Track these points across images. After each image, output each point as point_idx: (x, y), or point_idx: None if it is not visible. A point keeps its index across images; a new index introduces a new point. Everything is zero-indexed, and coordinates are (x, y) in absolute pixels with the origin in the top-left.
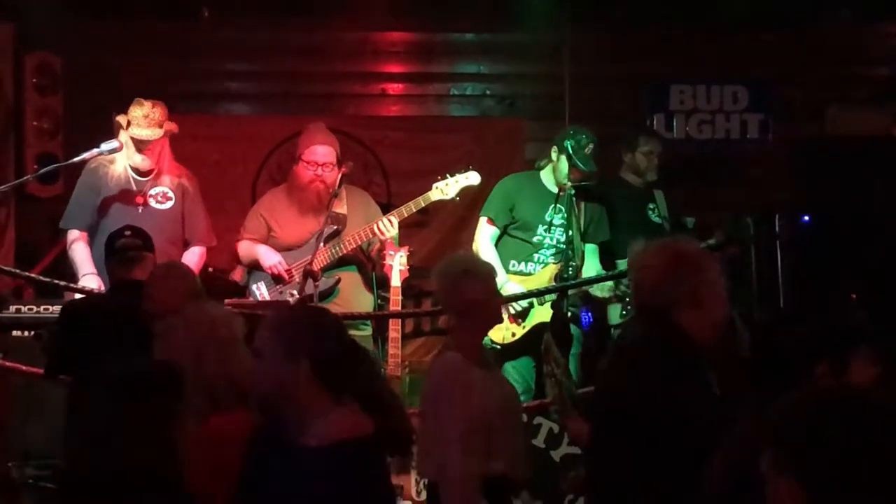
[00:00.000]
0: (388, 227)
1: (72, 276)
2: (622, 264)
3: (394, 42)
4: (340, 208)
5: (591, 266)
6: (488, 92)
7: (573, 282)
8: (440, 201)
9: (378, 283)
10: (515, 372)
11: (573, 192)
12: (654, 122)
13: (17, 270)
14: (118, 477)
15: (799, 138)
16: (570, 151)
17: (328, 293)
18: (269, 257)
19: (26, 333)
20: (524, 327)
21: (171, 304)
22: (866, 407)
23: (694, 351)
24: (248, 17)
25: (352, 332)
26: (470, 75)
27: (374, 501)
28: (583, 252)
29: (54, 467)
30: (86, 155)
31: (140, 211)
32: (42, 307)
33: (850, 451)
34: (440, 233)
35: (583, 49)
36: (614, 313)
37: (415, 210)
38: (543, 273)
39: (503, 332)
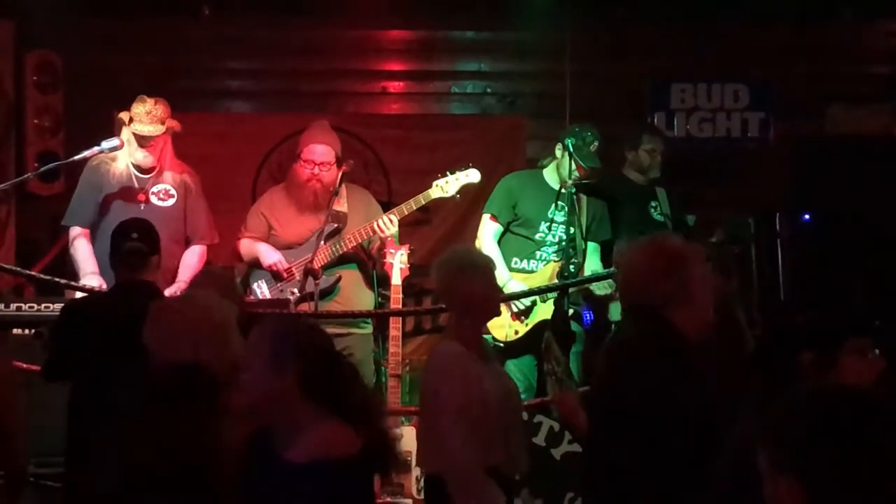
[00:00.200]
0: (389, 225)
1: (73, 273)
2: None
3: (394, 40)
4: (341, 206)
5: (593, 264)
6: (489, 90)
7: (574, 280)
8: (440, 199)
9: (379, 281)
10: (517, 370)
11: (574, 189)
12: (655, 121)
13: (18, 268)
14: (172, 480)
15: (800, 137)
16: (574, 149)
17: (329, 291)
18: (270, 255)
19: (27, 331)
20: (527, 325)
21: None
22: (865, 405)
23: (687, 348)
24: (249, 16)
25: (352, 330)
26: (471, 73)
27: None
28: (584, 250)
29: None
30: (86, 153)
31: (142, 208)
32: (43, 305)
33: (849, 450)
34: (441, 231)
35: (584, 47)
36: (615, 311)
37: (415, 208)
38: (545, 270)
39: (506, 330)
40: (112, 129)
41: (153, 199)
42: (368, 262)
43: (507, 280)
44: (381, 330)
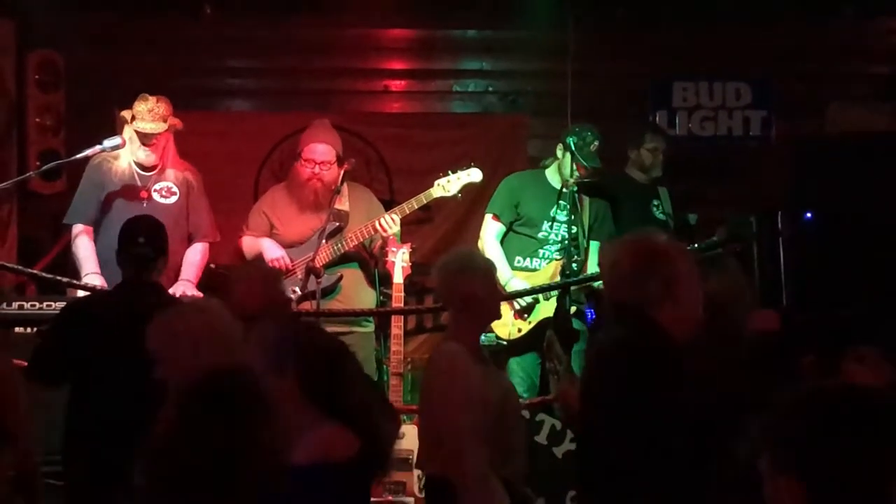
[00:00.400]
0: (390, 223)
1: (74, 272)
2: None
3: (396, 38)
4: (342, 205)
5: (595, 263)
6: (491, 89)
7: (576, 278)
8: (442, 198)
9: (380, 279)
10: (520, 369)
11: (576, 188)
12: (657, 119)
13: (20, 267)
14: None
15: (801, 135)
16: (575, 148)
17: (330, 290)
18: (273, 251)
19: (29, 330)
20: (530, 322)
21: (250, 306)
22: (865, 405)
23: (672, 348)
24: (250, 14)
25: (354, 328)
26: (472, 72)
27: None
28: (586, 248)
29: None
30: (88, 151)
31: (144, 206)
32: (45, 304)
33: (849, 450)
34: (442, 229)
35: (585, 45)
36: None
37: (417, 207)
38: (548, 269)
39: (509, 328)
40: (113, 128)
41: (155, 197)
42: (370, 261)
43: (510, 278)
44: (382, 328)
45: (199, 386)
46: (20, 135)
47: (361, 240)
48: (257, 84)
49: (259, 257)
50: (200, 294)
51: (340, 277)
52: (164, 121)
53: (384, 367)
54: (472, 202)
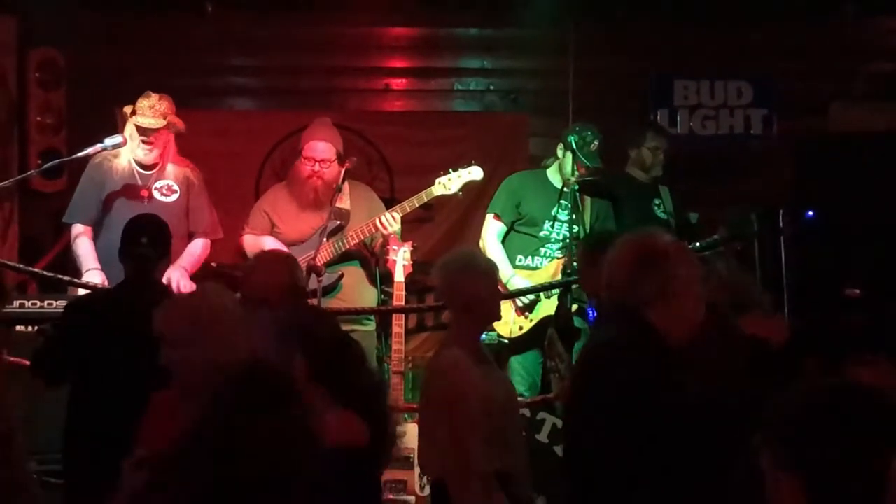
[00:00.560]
0: (391, 222)
1: (75, 270)
2: None
3: (397, 37)
4: (343, 203)
5: None
6: (492, 87)
7: (577, 277)
8: (443, 196)
9: (381, 278)
10: (521, 367)
11: (577, 187)
12: (658, 118)
13: (21, 265)
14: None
15: (802, 134)
16: (575, 147)
17: (331, 288)
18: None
19: (30, 328)
20: (531, 320)
21: (272, 291)
22: (864, 403)
23: (666, 351)
24: (252, 13)
25: (355, 327)
26: (473, 70)
27: None
28: None
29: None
30: (89, 150)
31: (145, 205)
32: (46, 302)
33: (848, 447)
34: (443, 227)
35: (586, 44)
36: None
37: (417, 205)
38: (549, 267)
39: (510, 326)
40: (114, 127)
41: (156, 195)
42: (371, 259)
43: (511, 276)
44: (383, 327)
45: (248, 376)
46: (21, 133)
47: (362, 238)
48: (259, 82)
49: (277, 249)
50: (193, 284)
51: (341, 276)
52: (164, 118)
53: (385, 365)
54: (473, 200)
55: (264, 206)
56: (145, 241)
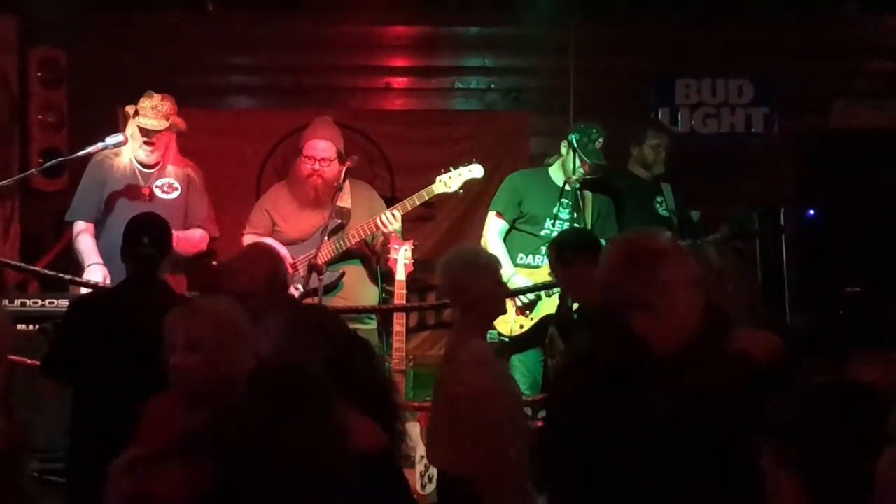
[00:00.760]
0: (392, 220)
1: (77, 269)
2: None
3: (398, 36)
4: (344, 202)
5: None
6: (493, 85)
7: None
8: (444, 194)
9: (382, 276)
10: (522, 366)
11: (578, 185)
12: (659, 116)
13: (22, 264)
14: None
15: (804, 132)
16: (578, 146)
17: (332, 287)
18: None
19: (31, 327)
20: (532, 319)
21: (253, 284)
22: (865, 401)
23: (648, 360)
24: (253, 11)
25: (356, 325)
26: (474, 69)
27: None
28: None
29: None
30: (91, 149)
31: (147, 203)
32: (47, 301)
33: (849, 445)
34: (444, 226)
35: (588, 42)
36: None
37: (418, 203)
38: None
39: (511, 325)
40: (116, 125)
41: (157, 193)
42: (372, 258)
43: (512, 275)
44: (384, 325)
45: (284, 376)
46: (22, 132)
47: (363, 237)
48: (260, 81)
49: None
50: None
51: (342, 274)
52: (167, 119)
53: (386, 364)
54: (474, 198)
55: (265, 205)
56: (147, 241)
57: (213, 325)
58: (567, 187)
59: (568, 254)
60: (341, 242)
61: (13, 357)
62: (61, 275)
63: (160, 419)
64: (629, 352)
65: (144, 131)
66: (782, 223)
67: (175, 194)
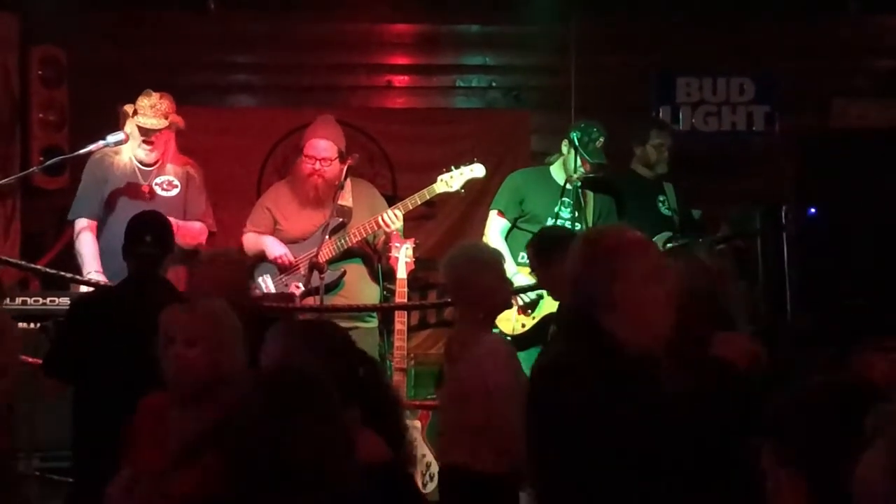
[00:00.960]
0: (394, 219)
1: (78, 267)
2: None
3: (399, 34)
4: (346, 201)
5: None
6: (494, 84)
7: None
8: (445, 193)
9: (384, 275)
10: (524, 364)
11: (579, 184)
12: (661, 114)
13: (23, 262)
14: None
15: (805, 130)
16: (579, 144)
17: (334, 285)
18: (276, 248)
19: (32, 325)
20: (533, 318)
21: (210, 291)
22: (866, 399)
23: (618, 360)
24: (254, 10)
25: (357, 324)
26: (475, 67)
27: None
28: None
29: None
30: (92, 147)
31: (147, 201)
32: (48, 299)
33: (851, 444)
34: (446, 225)
35: (589, 41)
36: None
37: (420, 202)
38: None
39: (513, 324)
40: (117, 124)
41: (157, 190)
42: (373, 257)
43: (514, 273)
44: (386, 324)
45: (287, 378)
46: (23, 130)
47: (365, 235)
48: (261, 80)
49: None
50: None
51: (344, 273)
52: (166, 117)
53: (387, 362)
54: (475, 197)
55: (266, 204)
56: (150, 240)
57: (212, 321)
58: (568, 186)
59: (547, 253)
60: (342, 241)
61: None
62: (62, 273)
63: (150, 422)
64: (597, 352)
65: (143, 130)
66: (783, 222)
67: (175, 192)
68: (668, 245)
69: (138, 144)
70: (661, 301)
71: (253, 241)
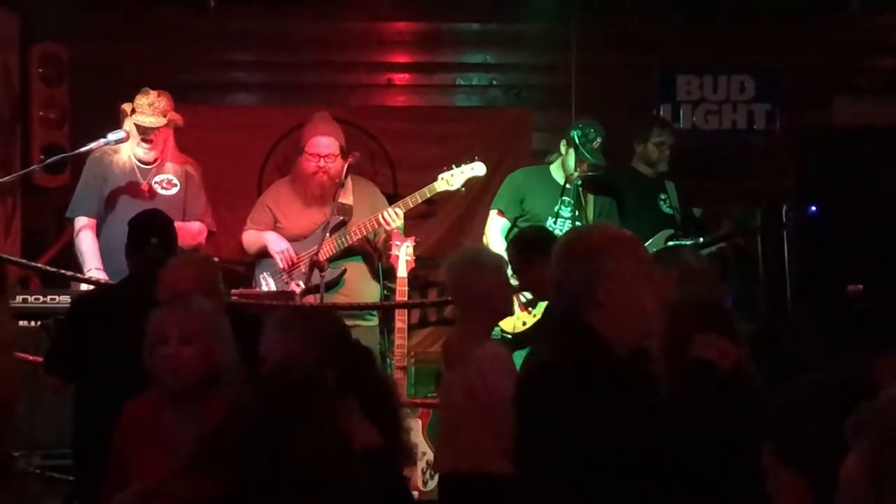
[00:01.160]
0: (394, 217)
1: (78, 265)
2: None
3: (400, 32)
4: (346, 199)
5: None
6: (494, 82)
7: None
8: (446, 192)
9: (384, 273)
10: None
11: (579, 182)
12: (661, 113)
13: (24, 260)
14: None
15: (806, 129)
16: (578, 143)
17: (334, 283)
18: (278, 244)
19: (32, 323)
20: (534, 316)
21: (180, 291)
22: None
23: (613, 360)
24: (254, 8)
25: (358, 322)
26: (476, 65)
27: None
28: None
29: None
30: (92, 145)
31: (147, 200)
32: (48, 297)
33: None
34: (446, 223)
35: (589, 39)
36: None
37: (420, 201)
38: None
39: (514, 321)
40: (117, 122)
41: (157, 189)
42: (374, 255)
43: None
44: (386, 322)
45: (288, 377)
46: (24, 128)
47: (365, 233)
48: (261, 78)
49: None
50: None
51: (344, 271)
52: (164, 115)
53: (388, 360)
54: (476, 196)
55: (267, 202)
56: (155, 242)
57: (206, 319)
58: (568, 185)
59: (529, 253)
60: (343, 239)
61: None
62: (63, 271)
63: (140, 423)
64: (587, 352)
65: (142, 129)
66: (784, 220)
67: (174, 190)
68: (668, 244)
69: (137, 143)
70: (649, 297)
71: (254, 237)
